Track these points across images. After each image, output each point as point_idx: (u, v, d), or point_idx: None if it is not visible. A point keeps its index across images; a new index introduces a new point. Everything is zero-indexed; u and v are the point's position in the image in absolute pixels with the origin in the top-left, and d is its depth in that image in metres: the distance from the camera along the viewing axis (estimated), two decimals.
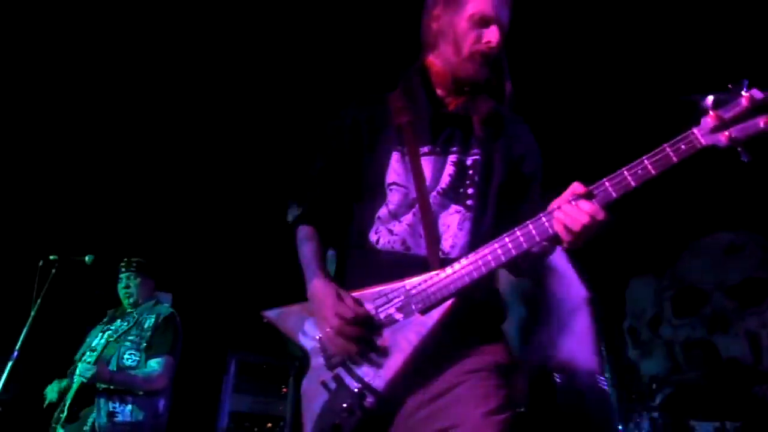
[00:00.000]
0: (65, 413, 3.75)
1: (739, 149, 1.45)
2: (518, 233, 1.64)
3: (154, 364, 3.88)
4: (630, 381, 5.05)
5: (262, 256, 6.42)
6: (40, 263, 3.81)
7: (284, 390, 6.74)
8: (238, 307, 6.52)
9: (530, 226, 1.62)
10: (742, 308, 5.11)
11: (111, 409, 3.78)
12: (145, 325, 3.99)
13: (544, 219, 1.61)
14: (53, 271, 3.82)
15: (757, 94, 1.43)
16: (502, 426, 1.62)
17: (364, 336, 1.71)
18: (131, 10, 4.50)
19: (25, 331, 3.57)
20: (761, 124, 1.41)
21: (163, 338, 3.97)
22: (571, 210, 1.55)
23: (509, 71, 1.97)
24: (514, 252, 1.63)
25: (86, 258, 4.01)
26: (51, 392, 3.90)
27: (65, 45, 4.88)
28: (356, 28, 4.54)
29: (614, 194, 1.54)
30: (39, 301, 3.67)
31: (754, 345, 5.04)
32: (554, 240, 1.62)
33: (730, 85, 1.44)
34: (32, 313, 3.64)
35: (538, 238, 1.61)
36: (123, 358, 3.89)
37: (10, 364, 3.46)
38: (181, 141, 5.85)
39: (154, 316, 4.06)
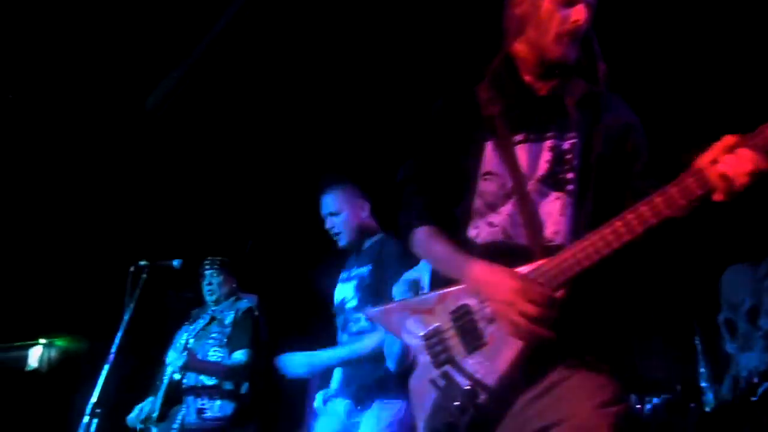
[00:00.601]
0: (156, 412, 3.86)
1: None
2: (630, 216, 1.54)
3: (238, 355, 3.97)
4: (728, 375, 4.85)
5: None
6: (131, 269, 3.92)
7: None
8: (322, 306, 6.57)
9: (643, 208, 1.53)
10: None
11: (200, 406, 3.87)
12: (226, 321, 4.11)
13: (672, 189, 1.51)
14: (144, 276, 3.93)
15: None
16: (615, 418, 1.57)
17: (469, 343, 1.66)
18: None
19: (119, 335, 3.67)
20: None
21: (243, 332, 4.08)
22: (733, 159, 1.44)
23: (600, 49, 1.89)
24: (627, 236, 1.54)
25: (174, 262, 4.11)
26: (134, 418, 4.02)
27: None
28: (439, 22, 4.49)
29: None
30: (132, 305, 3.78)
31: None
32: (696, 201, 1.50)
33: None
34: (125, 318, 3.75)
35: (654, 218, 1.51)
36: (208, 355, 3.99)
37: (106, 367, 3.57)
38: (263, 146, 5.92)
39: (233, 311, 4.15)
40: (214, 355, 4.04)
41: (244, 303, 4.28)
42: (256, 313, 4.22)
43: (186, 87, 5.16)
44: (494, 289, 1.64)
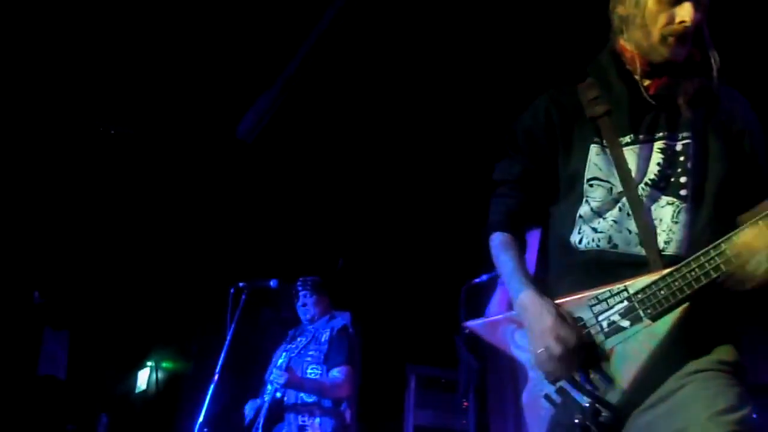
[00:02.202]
0: (260, 430, 3.94)
1: None
2: (761, 223, 1.46)
3: (336, 372, 4.02)
4: None
5: (438, 270, 6.45)
6: (231, 291, 4.04)
7: (465, 404, 6.71)
8: (417, 320, 6.58)
9: None
10: None
11: (301, 423, 3.93)
12: (322, 339, 4.17)
13: None
14: (243, 296, 4.04)
15: None
16: (734, 427, 1.46)
17: (586, 359, 1.60)
18: None
19: (222, 356, 3.79)
20: None
21: (339, 349, 4.13)
22: None
23: (714, 42, 1.76)
24: None
25: (271, 282, 4.22)
26: (250, 410, 4.12)
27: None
28: (535, 19, 4.41)
29: None
30: (233, 326, 3.90)
31: None
32: None
33: None
34: (228, 339, 3.86)
35: None
36: (307, 373, 4.05)
37: (212, 387, 3.68)
38: (353, 166, 6.01)
39: (329, 329, 4.22)
40: (313, 372, 4.10)
41: (339, 321, 4.33)
42: (351, 330, 4.26)
43: (276, 111, 5.31)
44: (534, 322, 1.65)
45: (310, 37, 4.70)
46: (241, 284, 4.08)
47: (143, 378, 8.31)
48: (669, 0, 1.68)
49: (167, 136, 5.87)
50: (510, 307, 1.81)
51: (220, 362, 3.76)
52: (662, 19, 1.69)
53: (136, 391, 8.36)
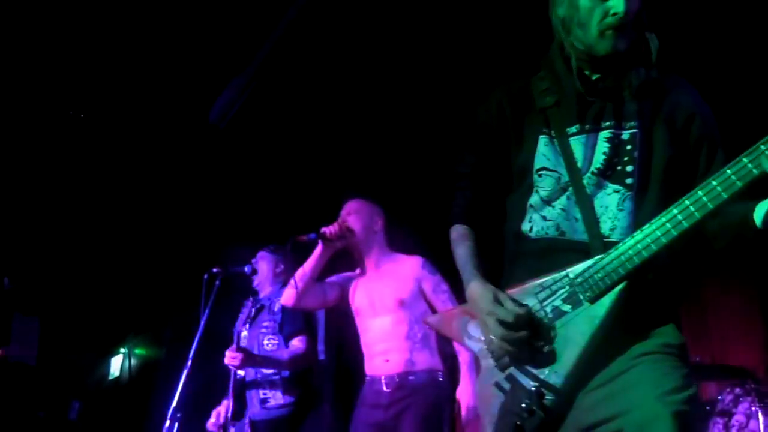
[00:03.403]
0: (230, 412, 3.91)
1: None
2: (687, 202, 1.51)
3: (296, 342, 3.95)
4: None
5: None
6: (205, 276, 4.00)
7: None
8: None
9: (700, 193, 1.49)
10: None
11: (262, 397, 3.89)
12: (275, 308, 4.07)
13: (729, 171, 1.47)
14: (217, 282, 4.00)
15: None
16: (679, 406, 1.50)
17: (529, 337, 1.64)
18: None
19: (196, 342, 3.75)
20: None
21: (293, 317, 3.98)
22: None
23: (653, 30, 1.80)
24: (685, 223, 1.50)
25: (245, 268, 4.19)
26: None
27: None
28: (493, 16, 4.46)
29: None
30: (207, 312, 3.86)
31: None
32: (749, 188, 1.45)
33: None
34: (201, 325, 3.82)
35: (725, 195, 1.46)
36: (263, 344, 3.99)
37: (184, 373, 3.65)
38: (326, 151, 5.98)
39: (280, 297, 4.11)
40: (269, 343, 4.00)
41: None
42: None
43: (248, 96, 5.26)
44: (478, 309, 1.72)
45: (281, 22, 4.67)
46: (214, 270, 4.03)
47: (116, 364, 8.26)
48: None
49: (140, 122, 5.79)
50: None
51: (193, 348, 3.73)
52: (597, 14, 1.73)
53: (109, 377, 8.31)
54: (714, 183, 1.49)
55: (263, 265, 4.28)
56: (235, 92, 5.35)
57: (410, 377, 3.25)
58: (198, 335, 3.77)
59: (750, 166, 1.46)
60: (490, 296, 1.68)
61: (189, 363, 3.69)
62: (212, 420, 4.10)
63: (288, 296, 3.51)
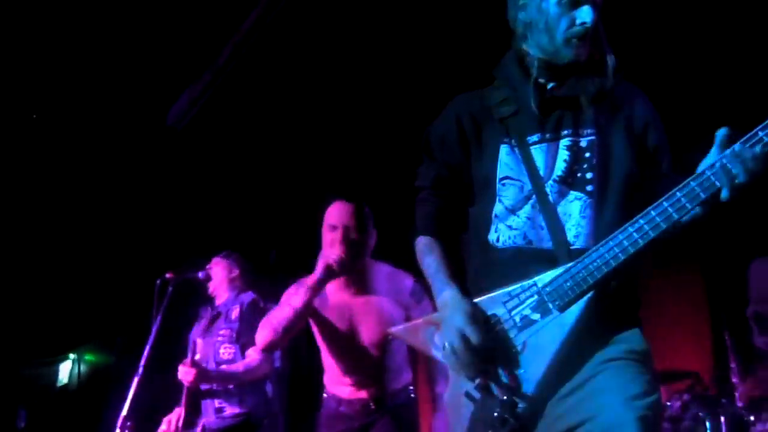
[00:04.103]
0: (182, 420, 3.85)
1: None
2: (653, 213, 1.54)
3: (252, 352, 3.90)
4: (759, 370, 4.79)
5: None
6: (158, 282, 3.94)
7: None
8: None
9: (665, 204, 1.53)
10: None
11: (218, 406, 3.85)
12: (232, 316, 4.02)
13: (693, 183, 1.52)
14: (170, 288, 3.93)
15: None
16: (644, 410, 1.54)
17: (488, 358, 1.64)
18: None
19: (147, 348, 3.68)
20: None
21: (251, 326, 3.81)
22: (736, 158, 1.46)
23: (609, 41, 1.84)
24: (651, 234, 1.54)
25: (199, 274, 4.13)
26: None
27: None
28: (443, 26, 4.51)
29: None
30: (159, 318, 3.79)
31: None
32: (712, 199, 1.51)
33: None
34: (153, 331, 3.75)
35: (689, 206, 1.51)
36: (219, 354, 3.94)
37: (135, 381, 3.58)
38: (286, 155, 5.96)
39: (238, 304, 4.07)
40: (226, 352, 3.96)
41: (249, 295, 4.11)
42: (262, 304, 4.00)
43: (207, 99, 5.22)
44: (448, 319, 1.69)
45: (242, 25, 4.65)
46: (167, 275, 3.96)
47: (65, 371, 8.08)
48: (569, 4, 1.76)
49: (94, 123, 5.69)
50: None
51: (144, 355, 3.66)
52: (564, 22, 1.77)
53: (58, 384, 8.13)
54: (678, 195, 1.53)
55: (218, 271, 4.22)
56: (194, 94, 5.30)
57: (387, 400, 3.08)
58: (149, 342, 3.70)
59: (713, 178, 1.50)
60: (468, 310, 1.67)
61: (140, 370, 3.62)
62: (163, 427, 4.03)
63: (263, 339, 3.01)
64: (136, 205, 6.53)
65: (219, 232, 6.24)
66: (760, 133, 1.48)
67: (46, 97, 5.43)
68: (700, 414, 4.06)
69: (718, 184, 1.49)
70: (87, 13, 4.60)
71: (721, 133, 1.54)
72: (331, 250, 2.95)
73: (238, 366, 3.85)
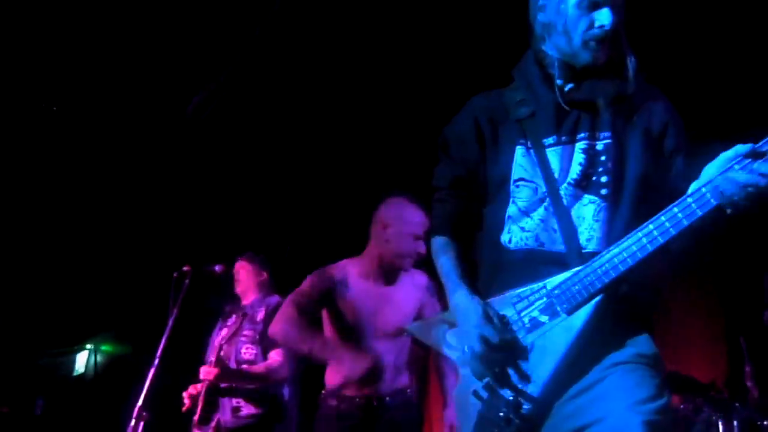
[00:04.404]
0: (198, 415, 3.89)
1: None
2: (663, 218, 1.55)
3: (274, 354, 3.94)
4: None
5: None
6: (175, 274, 3.97)
7: None
8: None
9: (675, 209, 1.54)
10: None
11: (235, 404, 3.89)
12: (257, 318, 4.06)
13: (690, 199, 1.52)
14: (187, 281, 3.98)
15: None
16: (650, 415, 1.54)
17: (508, 358, 1.67)
18: None
19: (163, 340, 3.72)
20: None
21: None
22: (740, 174, 1.46)
23: (631, 44, 1.85)
24: (661, 239, 1.54)
25: (216, 267, 4.16)
26: (188, 396, 4.05)
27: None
28: (465, 26, 4.51)
29: None
30: (176, 311, 3.83)
31: None
32: (716, 212, 1.51)
33: None
34: (170, 323, 3.79)
35: (686, 221, 1.51)
36: (241, 354, 3.98)
37: (151, 371, 3.62)
38: (303, 152, 5.98)
39: (264, 306, 4.12)
40: (248, 352, 4.01)
41: (275, 298, 4.20)
42: None
43: (226, 93, 5.25)
44: (463, 321, 1.73)
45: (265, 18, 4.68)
46: (184, 268, 4.00)
47: (81, 361, 8.15)
48: (588, 6, 1.77)
49: (110, 115, 5.74)
50: None
51: (160, 347, 3.70)
52: (583, 24, 1.78)
53: (74, 374, 8.20)
54: (690, 200, 1.53)
55: (244, 274, 4.28)
56: (211, 89, 5.32)
57: (387, 398, 3.16)
58: (166, 333, 3.74)
59: (720, 187, 1.50)
60: (480, 311, 1.70)
61: (156, 361, 3.67)
62: (186, 401, 4.06)
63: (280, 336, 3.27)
64: (155, 198, 6.57)
65: (235, 225, 6.28)
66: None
67: (67, 89, 5.47)
68: (713, 417, 4.05)
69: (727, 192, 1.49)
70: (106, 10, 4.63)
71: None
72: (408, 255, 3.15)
73: (260, 367, 3.92)
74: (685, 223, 1.53)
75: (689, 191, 1.56)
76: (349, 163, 5.92)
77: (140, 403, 3.47)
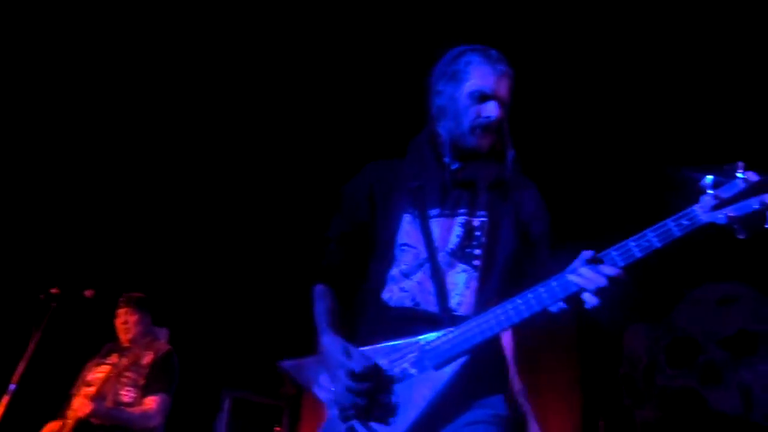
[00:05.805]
0: None
1: (735, 227, 1.55)
2: (530, 295, 1.71)
3: (151, 402, 3.87)
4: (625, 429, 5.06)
5: (260, 296, 6.46)
6: (41, 297, 3.82)
7: (277, 430, 6.71)
8: (234, 344, 6.52)
9: (541, 290, 1.70)
10: (734, 360, 5.14)
11: None
12: (143, 362, 3.96)
13: (554, 283, 1.69)
14: (53, 305, 3.82)
15: (753, 176, 1.52)
16: None
17: (373, 390, 1.77)
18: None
19: (23, 366, 3.56)
20: (756, 206, 1.50)
21: (161, 376, 3.94)
22: (587, 273, 1.63)
23: (511, 136, 2.05)
24: (525, 314, 1.70)
25: (86, 292, 4.02)
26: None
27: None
28: (369, 98, 4.68)
29: (621, 263, 1.63)
30: (39, 334, 3.67)
31: (746, 397, 5.06)
32: (570, 300, 1.68)
33: (725, 166, 1.52)
34: (31, 347, 3.64)
35: (548, 301, 1.68)
36: (120, 395, 3.87)
37: (7, 399, 3.46)
38: (185, 178, 5.91)
39: (152, 352, 4.03)
40: (127, 395, 3.89)
41: (163, 345, 4.14)
42: (175, 357, 4.07)
43: None
44: (328, 360, 1.86)
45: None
46: (52, 290, 3.86)
47: None
48: (478, 98, 1.98)
49: None
50: None
51: (19, 372, 3.54)
52: (471, 113, 1.99)
53: None
54: (554, 284, 1.69)
55: (130, 314, 4.15)
56: None
57: None
58: (25, 359, 3.59)
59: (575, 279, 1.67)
60: (340, 348, 1.82)
61: (12, 388, 3.50)
62: None
63: None
64: (26, 218, 6.28)
65: (109, 247, 6.09)
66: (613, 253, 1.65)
67: None
68: None
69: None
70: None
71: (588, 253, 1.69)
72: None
73: (135, 411, 3.81)
74: (547, 302, 1.69)
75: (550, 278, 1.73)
76: (228, 194, 5.90)
77: None
